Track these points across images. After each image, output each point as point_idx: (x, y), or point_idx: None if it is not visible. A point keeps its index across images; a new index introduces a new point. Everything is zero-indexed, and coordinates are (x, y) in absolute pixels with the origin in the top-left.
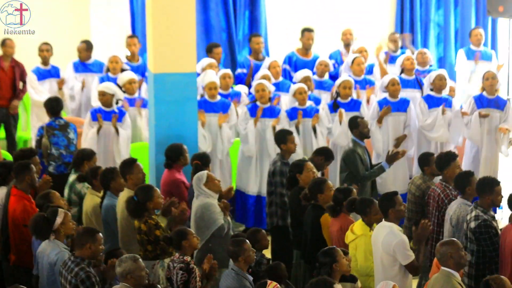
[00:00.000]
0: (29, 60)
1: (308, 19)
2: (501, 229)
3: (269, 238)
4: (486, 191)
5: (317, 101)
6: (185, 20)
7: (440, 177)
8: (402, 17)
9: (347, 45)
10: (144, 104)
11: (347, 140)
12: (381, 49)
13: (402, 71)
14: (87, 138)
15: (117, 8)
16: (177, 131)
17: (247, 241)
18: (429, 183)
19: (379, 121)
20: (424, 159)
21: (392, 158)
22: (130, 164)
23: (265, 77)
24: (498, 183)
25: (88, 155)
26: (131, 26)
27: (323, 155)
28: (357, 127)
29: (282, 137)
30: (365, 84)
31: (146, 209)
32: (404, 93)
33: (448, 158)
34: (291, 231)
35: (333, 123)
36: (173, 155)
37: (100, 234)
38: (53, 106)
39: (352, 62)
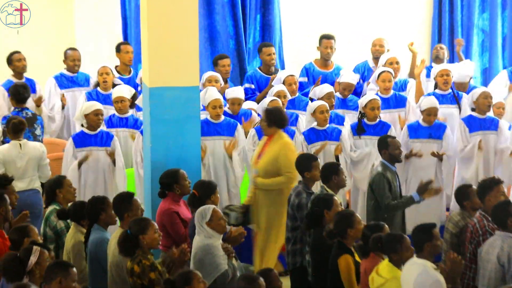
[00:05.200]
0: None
1: (330, 25)
2: None
3: (284, 279)
4: None
5: (340, 120)
6: (186, 25)
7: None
8: (440, 23)
9: (376, 58)
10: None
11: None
12: (423, 65)
13: (436, 86)
14: (68, 170)
15: (106, 12)
16: (176, 155)
17: (261, 278)
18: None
19: (407, 157)
20: (463, 192)
21: (424, 188)
22: (128, 199)
23: (280, 94)
24: None
25: (57, 183)
26: (122, 32)
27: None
28: (387, 148)
29: (306, 163)
30: (395, 102)
31: (139, 245)
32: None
33: (491, 184)
34: (310, 274)
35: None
36: (166, 182)
37: (75, 269)
38: (20, 92)
39: (378, 76)
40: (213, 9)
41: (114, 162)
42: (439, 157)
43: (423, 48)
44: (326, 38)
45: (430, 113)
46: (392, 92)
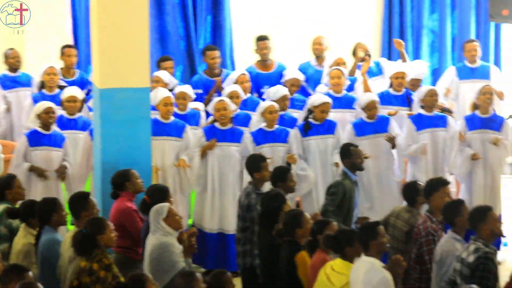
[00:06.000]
0: None
1: (280, 25)
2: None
3: (237, 280)
4: (480, 220)
5: (293, 121)
6: (136, 26)
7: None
8: (390, 23)
9: (318, 57)
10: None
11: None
12: (368, 64)
13: (391, 85)
14: (18, 170)
15: (55, 13)
16: (127, 156)
17: (198, 275)
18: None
19: None
20: (414, 188)
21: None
22: (83, 198)
23: (233, 94)
24: (490, 208)
25: (6, 183)
26: (72, 33)
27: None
28: (350, 157)
29: (255, 164)
30: (346, 103)
31: (96, 245)
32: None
33: (437, 184)
34: (259, 273)
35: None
36: (118, 182)
37: (31, 273)
38: None
39: (329, 75)
40: (164, 10)
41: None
42: (392, 142)
43: (373, 48)
44: (260, 39)
45: (370, 107)
46: (344, 92)
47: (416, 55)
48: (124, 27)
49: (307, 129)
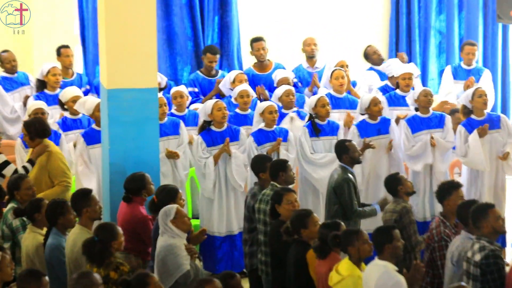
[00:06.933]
0: None
1: (287, 26)
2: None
3: (245, 281)
4: (481, 218)
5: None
6: (144, 27)
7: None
8: (398, 24)
9: (310, 57)
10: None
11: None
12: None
13: (397, 86)
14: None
15: (63, 14)
16: (135, 157)
17: (217, 281)
18: (404, 203)
19: (362, 150)
20: (393, 179)
21: (384, 204)
22: (85, 195)
23: (244, 93)
24: (491, 205)
25: (15, 184)
26: (80, 34)
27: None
28: (347, 152)
29: (261, 165)
30: (348, 103)
31: (111, 252)
32: (397, 113)
33: (450, 188)
34: (269, 272)
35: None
36: (134, 188)
37: (46, 277)
38: None
39: (331, 75)
40: (171, 11)
41: None
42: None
43: (380, 50)
44: (255, 41)
45: (376, 102)
46: (345, 93)
47: (424, 56)
48: (132, 27)
49: (318, 133)
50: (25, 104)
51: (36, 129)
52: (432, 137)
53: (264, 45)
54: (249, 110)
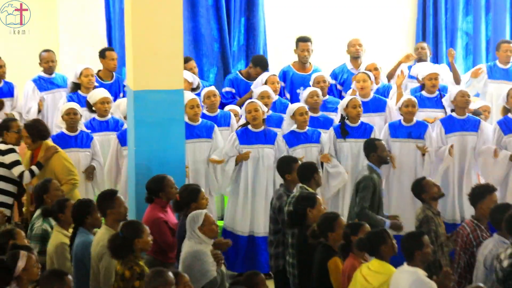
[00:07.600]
0: None
1: (314, 27)
2: None
3: (269, 283)
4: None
5: (329, 122)
6: (170, 28)
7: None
8: (424, 25)
9: (355, 58)
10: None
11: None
12: (403, 76)
13: (423, 87)
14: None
15: (90, 15)
16: (161, 158)
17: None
18: (428, 211)
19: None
20: (418, 186)
21: (396, 228)
22: (110, 196)
23: (264, 95)
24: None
25: (43, 188)
26: (106, 36)
27: None
28: (376, 151)
29: (287, 166)
30: (373, 106)
31: (133, 250)
32: (423, 114)
33: (484, 192)
34: (296, 274)
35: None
36: (153, 188)
37: (70, 277)
38: None
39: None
40: (198, 12)
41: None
42: (422, 151)
43: (407, 51)
44: (302, 41)
45: (408, 104)
46: (371, 95)
47: None
48: (158, 29)
49: (344, 135)
50: (39, 109)
51: (38, 131)
52: (451, 147)
53: (310, 47)
54: (270, 112)
